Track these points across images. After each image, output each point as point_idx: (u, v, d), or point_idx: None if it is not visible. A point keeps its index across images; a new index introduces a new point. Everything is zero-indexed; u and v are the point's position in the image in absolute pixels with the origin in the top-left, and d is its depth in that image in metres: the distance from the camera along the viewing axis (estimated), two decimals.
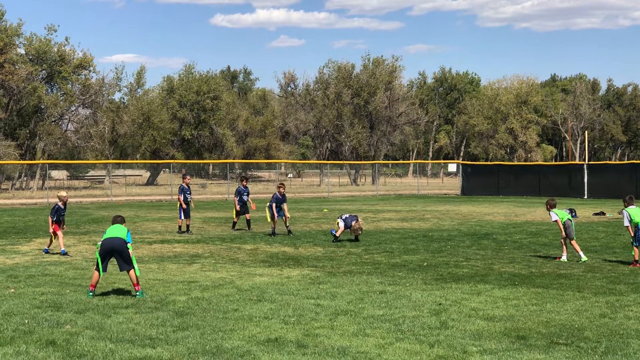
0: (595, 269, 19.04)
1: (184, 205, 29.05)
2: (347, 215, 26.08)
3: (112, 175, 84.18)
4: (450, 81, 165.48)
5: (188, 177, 30.37)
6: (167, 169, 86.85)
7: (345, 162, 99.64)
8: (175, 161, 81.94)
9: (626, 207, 20.47)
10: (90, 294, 15.23)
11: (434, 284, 16.56)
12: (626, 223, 20.20)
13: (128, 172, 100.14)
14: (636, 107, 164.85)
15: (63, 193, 22.99)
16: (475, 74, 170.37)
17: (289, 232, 28.12)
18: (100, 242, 15.43)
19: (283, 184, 29.11)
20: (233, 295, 15.28)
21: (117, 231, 15.52)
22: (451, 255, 22.10)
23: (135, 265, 15.28)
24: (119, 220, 16.04)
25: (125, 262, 15.25)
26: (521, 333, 11.84)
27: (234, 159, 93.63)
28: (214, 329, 12.17)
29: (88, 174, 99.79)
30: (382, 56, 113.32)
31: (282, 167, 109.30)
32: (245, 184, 30.22)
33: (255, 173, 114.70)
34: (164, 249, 24.02)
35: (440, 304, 14.26)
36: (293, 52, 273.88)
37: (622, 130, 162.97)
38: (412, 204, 50.44)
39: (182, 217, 29.22)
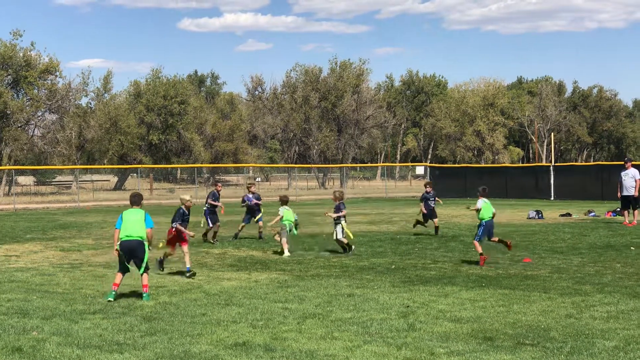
0: (561, 269, 19.16)
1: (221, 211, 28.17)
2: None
3: (80, 181, 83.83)
4: (418, 84, 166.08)
5: (219, 184, 30.28)
6: (135, 174, 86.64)
7: (313, 165, 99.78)
8: (143, 166, 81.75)
9: (480, 197, 21.11)
10: (112, 294, 15.25)
11: (401, 287, 16.61)
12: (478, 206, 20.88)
13: (95, 177, 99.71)
14: (601, 109, 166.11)
15: (187, 197, 20.01)
16: (442, 77, 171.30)
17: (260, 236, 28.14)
18: (119, 243, 15.53)
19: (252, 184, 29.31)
20: (201, 299, 15.26)
21: (135, 224, 15.47)
22: (419, 257, 22.17)
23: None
24: (136, 200, 15.95)
25: (142, 263, 15.49)
26: (488, 334, 11.90)
27: (201, 164, 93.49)
28: (182, 333, 12.15)
29: (55, 180, 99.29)
30: (349, 59, 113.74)
31: (250, 171, 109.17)
32: (219, 188, 29.51)
33: (223, 177, 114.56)
34: None
35: (407, 306, 14.31)
36: (261, 56, 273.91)
37: (588, 132, 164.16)
38: (380, 207, 50.56)
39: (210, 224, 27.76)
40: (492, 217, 21.03)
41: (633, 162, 35.34)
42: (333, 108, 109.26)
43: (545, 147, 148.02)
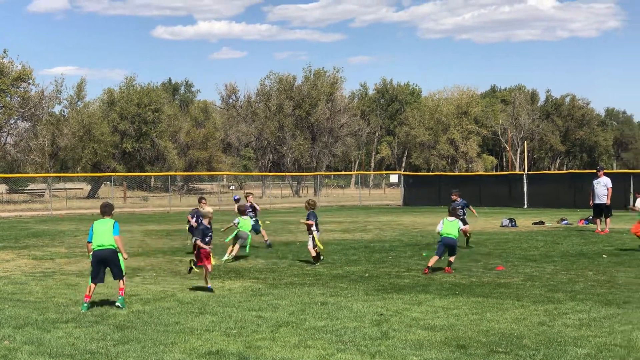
0: (534, 277, 19.24)
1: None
2: None
3: (53, 189, 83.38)
4: (392, 92, 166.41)
5: (251, 195, 30.19)
6: (108, 182, 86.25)
7: (287, 173, 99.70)
8: (117, 174, 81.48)
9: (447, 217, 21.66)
10: (85, 306, 15.19)
11: (375, 295, 16.63)
12: (438, 229, 21.57)
13: (68, 185, 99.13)
14: (574, 118, 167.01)
15: (209, 209, 18.64)
16: (416, 85, 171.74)
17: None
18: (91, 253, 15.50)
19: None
20: (174, 308, 15.22)
21: (105, 233, 15.43)
22: (393, 265, 22.20)
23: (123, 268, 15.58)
24: (106, 210, 15.90)
25: (119, 271, 15.51)
26: (461, 342, 11.93)
27: (175, 172, 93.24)
28: (155, 342, 12.12)
29: (28, 188, 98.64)
30: (323, 68, 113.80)
31: (224, 179, 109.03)
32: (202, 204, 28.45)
33: (197, 185, 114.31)
34: None
35: (381, 314, 14.33)
36: (235, 63, 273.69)
37: (561, 140, 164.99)
38: (354, 215, 50.60)
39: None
40: (454, 236, 21.20)
41: (605, 171, 35.55)
42: (307, 116, 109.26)
43: (518, 155, 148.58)
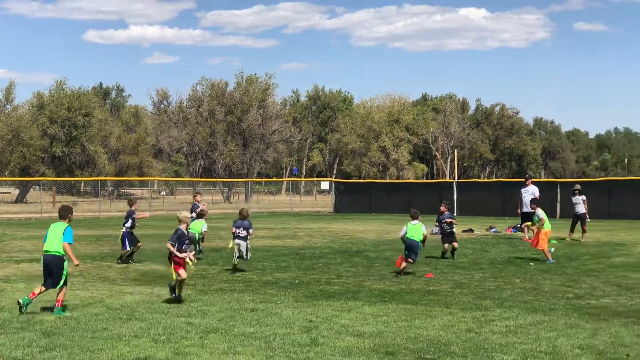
0: (462, 285, 19.41)
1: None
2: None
3: None
4: (324, 99, 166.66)
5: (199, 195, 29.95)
6: (37, 187, 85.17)
7: (218, 179, 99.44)
8: (46, 178, 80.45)
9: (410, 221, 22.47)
10: (25, 299, 15.22)
11: (305, 301, 16.65)
12: (401, 234, 22.44)
13: None
14: (503, 127, 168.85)
15: (187, 213, 17.91)
16: (348, 93, 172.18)
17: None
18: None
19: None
20: (102, 314, 15.09)
21: (55, 238, 15.32)
22: (323, 272, 22.24)
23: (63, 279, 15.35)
24: (62, 214, 15.80)
25: (57, 280, 15.28)
26: (390, 349, 11.99)
27: (106, 177, 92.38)
28: (82, 348, 12.00)
29: None
30: (255, 74, 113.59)
31: (155, 185, 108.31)
32: (136, 207, 28.07)
33: (127, 190, 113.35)
34: (31, 268, 23.49)
35: (311, 321, 14.35)
36: (167, 69, 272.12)
37: (490, 149, 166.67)
38: (285, 222, 50.59)
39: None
40: (418, 239, 21.99)
41: (533, 179, 35.99)
42: (239, 122, 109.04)
43: (448, 163, 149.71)
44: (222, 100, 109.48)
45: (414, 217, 22.39)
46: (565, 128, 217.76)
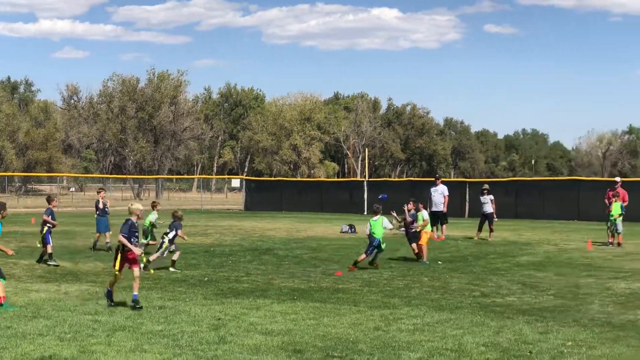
0: (371, 283, 19.53)
1: None
2: None
3: None
4: (236, 97, 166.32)
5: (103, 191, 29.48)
6: None
7: (128, 176, 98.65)
8: None
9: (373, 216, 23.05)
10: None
11: (214, 299, 16.60)
12: (366, 232, 23.04)
13: None
14: (414, 126, 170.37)
15: (139, 205, 16.67)
16: (260, 90, 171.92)
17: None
18: None
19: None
20: (6, 312, 14.86)
21: None
22: (232, 270, 22.20)
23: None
24: None
25: None
26: (298, 347, 12.02)
27: (13, 172, 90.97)
28: None
29: None
30: (167, 70, 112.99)
31: (65, 181, 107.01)
32: (54, 204, 26.28)
33: (35, 186, 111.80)
34: None
35: (219, 318, 14.31)
36: (77, 63, 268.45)
37: (401, 148, 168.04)
38: (195, 219, 50.36)
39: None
40: (378, 236, 22.69)
41: (443, 179, 36.39)
42: (150, 119, 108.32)
43: (360, 162, 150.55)
44: (133, 96, 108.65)
45: (376, 212, 23.04)
46: (475, 128, 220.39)
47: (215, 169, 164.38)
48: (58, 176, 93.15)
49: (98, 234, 28.19)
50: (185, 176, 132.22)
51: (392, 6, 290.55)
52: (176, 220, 22.86)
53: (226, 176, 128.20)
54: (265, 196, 68.19)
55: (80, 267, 22.57)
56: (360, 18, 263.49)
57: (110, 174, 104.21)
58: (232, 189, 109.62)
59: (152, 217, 25.08)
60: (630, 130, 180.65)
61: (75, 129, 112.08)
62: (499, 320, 14.46)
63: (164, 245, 22.42)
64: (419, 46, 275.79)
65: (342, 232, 38.79)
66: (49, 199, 25.53)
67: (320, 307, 15.67)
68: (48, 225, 24.27)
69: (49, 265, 23.46)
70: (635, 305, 16.41)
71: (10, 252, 15.58)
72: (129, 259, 15.76)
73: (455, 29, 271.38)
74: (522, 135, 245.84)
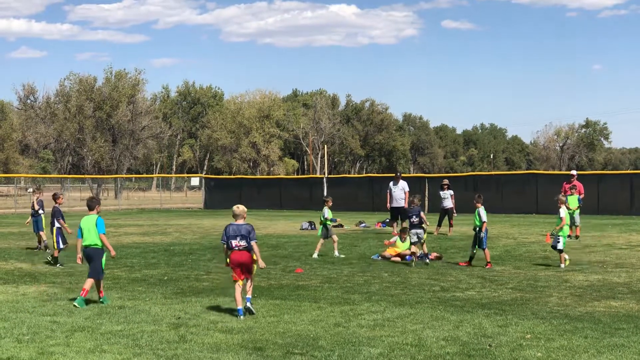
0: (332, 279, 19.56)
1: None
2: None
3: None
4: (194, 95, 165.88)
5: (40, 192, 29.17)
6: None
7: (87, 176, 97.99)
8: None
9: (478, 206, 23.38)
10: (80, 300, 15.63)
11: (174, 298, 16.56)
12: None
13: None
14: (373, 122, 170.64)
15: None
16: (218, 88, 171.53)
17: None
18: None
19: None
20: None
21: (89, 231, 16.03)
22: (192, 269, 22.14)
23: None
24: (90, 204, 16.45)
25: (94, 270, 16.08)
26: (258, 344, 12.02)
27: None
28: None
29: None
30: (124, 69, 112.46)
31: (22, 182, 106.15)
32: (61, 201, 25.54)
33: None
34: None
35: (179, 317, 14.27)
36: (34, 63, 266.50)
37: (361, 145, 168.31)
38: (154, 218, 50.21)
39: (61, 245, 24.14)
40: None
41: (403, 175, 36.50)
42: (108, 118, 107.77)
43: (319, 159, 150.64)
44: (90, 95, 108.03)
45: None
46: (434, 124, 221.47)
47: (174, 167, 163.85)
48: (15, 177, 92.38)
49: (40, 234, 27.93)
50: (145, 175, 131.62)
51: (350, 3, 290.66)
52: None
53: (185, 175, 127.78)
54: (224, 194, 68.01)
55: (39, 268, 22.39)
56: (318, 15, 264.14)
57: (69, 174, 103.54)
58: (192, 188, 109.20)
59: (326, 213, 25.21)
60: (587, 124, 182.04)
61: (32, 129, 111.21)
62: (458, 314, 14.54)
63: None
64: (377, 42, 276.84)
65: (302, 229, 38.79)
66: (55, 197, 25.18)
67: (280, 305, 15.67)
68: (58, 227, 24.01)
69: (48, 260, 23.53)
70: (592, 297, 16.56)
71: (113, 253, 16.23)
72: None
73: (413, 25, 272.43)
74: (480, 130, 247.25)
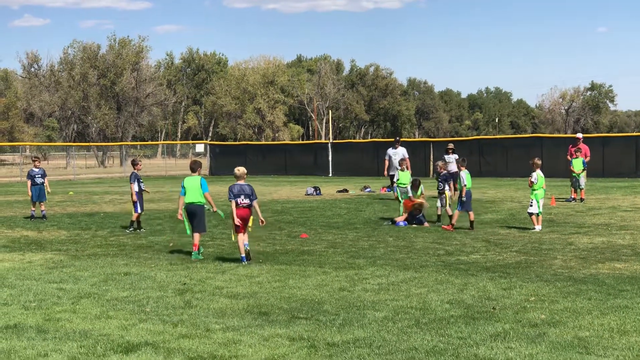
0: (337, 244, 19.60)
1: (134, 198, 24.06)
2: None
3: None
4: (198, 62, 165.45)
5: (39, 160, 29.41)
6: None
7: (92, 144, 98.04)
8: None
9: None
10: (194, 253, 17.54)
11: (179, 264, 16.61)
12: (464, 183, 22.58)
13: None
14: (378, 87, 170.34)
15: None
16: (222, 55, 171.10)
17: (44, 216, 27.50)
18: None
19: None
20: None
21: (194, 189, 17.82)
22: None
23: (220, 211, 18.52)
24: (193, 167, 18.32)
25: (199, 226, 17.76)
26: (263, 309, 12.06)
27: None
28: None
29: None
30: (128, 36, 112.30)
31: (27, 150, 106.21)
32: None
33: None
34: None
35: (185, 283, 14.33)
36: (38, 31, 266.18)
37: (365, 110, 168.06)
38: (160, 185, 50.23)
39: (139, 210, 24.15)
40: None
41: (408, 139, 36.40)
42: (112, 85, 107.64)
43: (324, 124, 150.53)
44: (94, 63, 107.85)
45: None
46: (439, 88, 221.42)
47: (179, 134, 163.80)
48: (20, 145, 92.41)
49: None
50: (150, 142, 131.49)
51: None
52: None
53: (190, 141, 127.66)
54: (229, 160, 67.93)
55: (45, 236, 22.47)
56: None
57: (74, 142, 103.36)
58: (197, 154, 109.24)
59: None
60: (593, 87, 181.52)
61: (37, 97, 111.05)
62: (463, 277, 14.57)
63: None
64: (381, 7, 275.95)
65: (307, 194, 38.83)
66: (134, 162, 25.37)
67: (285, 270, 15.72)
68: (136, 191, 23.98)
69: (129, 231, 23.43)
70: (596, 259, 16.59)
71: (215, 209, 18.00)
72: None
73: None
74: (485, 94, 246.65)
